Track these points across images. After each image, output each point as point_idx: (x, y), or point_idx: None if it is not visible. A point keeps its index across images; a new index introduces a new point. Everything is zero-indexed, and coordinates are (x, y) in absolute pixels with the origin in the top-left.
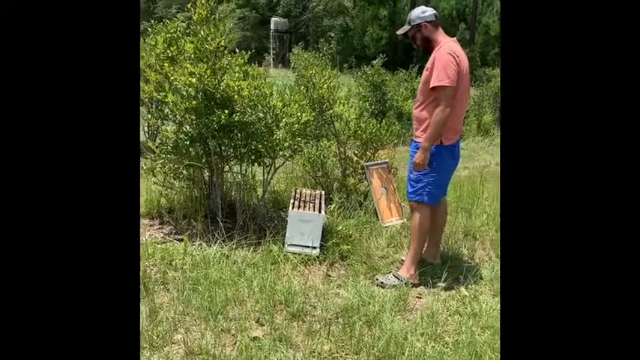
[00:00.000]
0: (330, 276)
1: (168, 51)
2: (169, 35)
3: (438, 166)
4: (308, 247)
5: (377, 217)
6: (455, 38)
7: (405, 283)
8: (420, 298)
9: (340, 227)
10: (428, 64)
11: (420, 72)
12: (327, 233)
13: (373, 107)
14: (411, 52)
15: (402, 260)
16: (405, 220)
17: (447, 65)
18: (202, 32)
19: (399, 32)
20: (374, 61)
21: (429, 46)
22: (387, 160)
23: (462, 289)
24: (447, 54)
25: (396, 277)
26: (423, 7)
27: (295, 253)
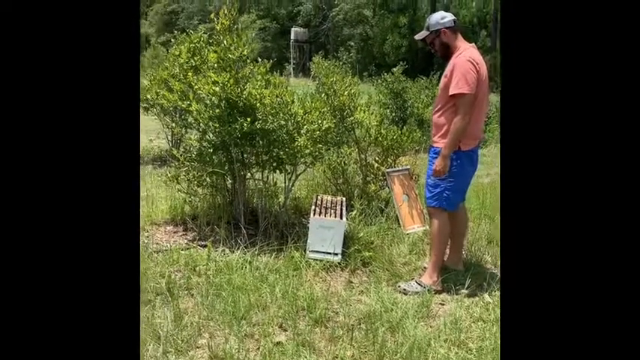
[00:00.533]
0: (352, 282)
1: (191, 61)
2: (193, 45)
3: (455, 172)
4: (329, 253)
5: (399, 223)
6: (474, 44)
7: (428, 290)
8: (443, 304)
9: (362, 234)
10: (447, 71)
11: (440, 79)
12: (348, 240)
13: (394, 114)
14: (431, 59)
15: (425, 267)
16: (427, 226)
17: (467, 72)
18: (225, 42)
19: (417, 37)
20: (394, 69)
21: (447, 52)
22: (408, 166)
23: (486, 295)
24: (467, 61)
25: (419, 284)
26: (442, 13)
27: (317, 260)
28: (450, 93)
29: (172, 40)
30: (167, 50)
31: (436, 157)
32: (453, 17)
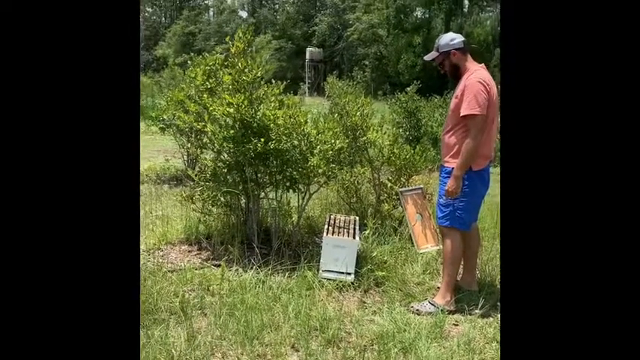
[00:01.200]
0: (364, 302)
1: (207, 83)
2: (208, 68)
3: (467, 192)
4: (342, 273)
5: (412, 243)
6: (484, 65)
7: (441, 311)
8: (457, 325)
9: (375, 253)
10: (457, 92)
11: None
12: (361, 259)
13: (408, 133)
14: (445, 78)
15: (438, 287)
16: (441, 246)
17: (478, 94)
18: (240, 64)
19: (427, 58)
20: (408, 88)
21: (456, 73)
22: (421, 186)
23: (498, 315)
24: (477, 82)
25: (432, 304)
26: (451, 34)
27: (330, 279)
28: (462, 114)
29: (189, 61)
30: (184, 71)
31: (447, 177)
32: (463, 39)
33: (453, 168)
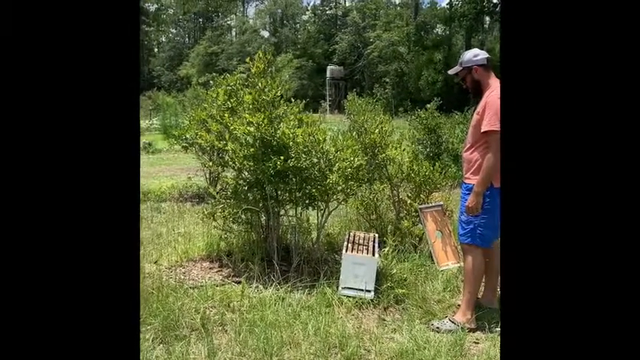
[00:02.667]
0: (384, 320)
1: (228, 102)
2: (229, 87)
3: (488, 208)
4: (362, 290)
5: (432, 260)
6: None
7: (462, 328)
8: (477, 343)
9: (395, 270)
10: (479, 108)
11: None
12: (381, 276)
13: (428, 150)
14: (467, 95)
15: (459, 305)
16: (462, 263)
17: (499, 110)
18: (260, 84)
19: (451, 72)
20: (428, 105)
21: (478, 89)
22: (441, 202)
23: None
24: (499, 98)
25: (452, 322)
26: (475, 50)
27: (349, 297)
28: (483, 130)
29: (212, 81)
30: (206, 91)
31: (468, 194)
32: (487, 55)
33: (474, 185)
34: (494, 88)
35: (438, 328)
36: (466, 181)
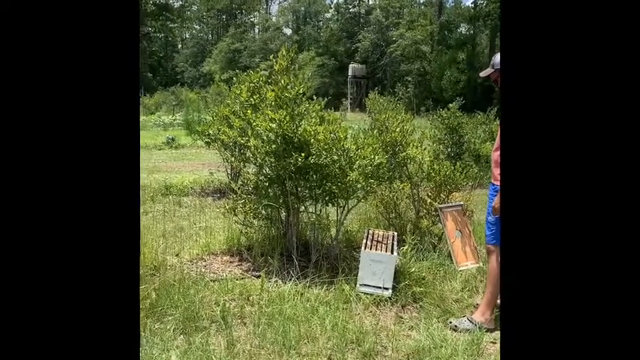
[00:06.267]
0: (401, 317)
1: (251, 99)
2: (252, 85)
3: None
4: (380, 287)
5: (451, 260)
6: None
7: (480, 328)
8: (495, 343)
9: (413, 269)
10: None
11: (498, 114)
12: (399, 274)
13: (449, 150)
14: (490, 95)
15: (477, 304)
16: (481, 264)
17: None
18: (282, 81)
19: (482, 74)
20: (450, 104)
21: None
22: (461, 202)
23: None
24: None
25: (470, 321)
26: None
27: (367, 294)
28: None
29: (234, 77)
30: (229, 87)
31: (495, 195)
32: None
33: (499, 186)
34: None
35: (455, 326)
36: (494, 182)
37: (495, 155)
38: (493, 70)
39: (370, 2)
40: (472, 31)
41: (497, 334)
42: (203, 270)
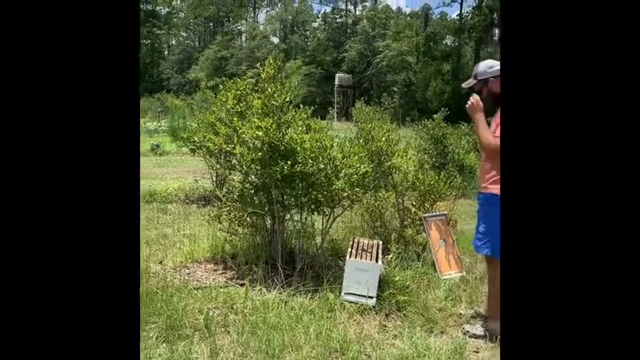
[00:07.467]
0: (385, 326)
1: (237, 106)
2: (239, 92)
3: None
4: (364, 296)
5: (435, 269)
6: None
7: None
8: (477, 352)
9: (397, 278)
10: (496, 117)
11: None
12: (383, 283)
13: (434, 160)
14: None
15: (461, 313)
16: (464, 273)
17: None
18: (269, 89)
19: (465, 85)
20: (435, 115)
21: (495, 101)
22: (445, 212)
23: None
24: None
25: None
26: (490, 62)
27: (351, 302)
28: (496, 134)
29: (221, 85)
30: (215, 95)
31: (484, 205)
32: None
33: (489, 194)
34: None
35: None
36: (482, 190)
37: (482, 164)
38: (476, 80)
39: (357, 13)
40: (457, 43)
41: (480, 342)
42: (187, 278)
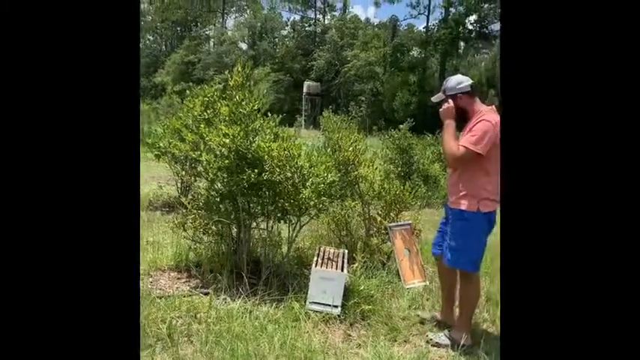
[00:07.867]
0: (350, 335)
1: (205, 113)
2: (206, 99)
3: (473, 233)
4: (329, 305)
5: (399, 277)
6: (493, 106)
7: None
8: None
9: (362, 287)
10: (465, 132)
11: None
12: (349, 292)
13: (399, 169)
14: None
15: (424, 319)
16: (427, 282)
17: (486, 134)
18: (237, 97)
19: (434, 99)
20: (401, 126)
21: (463, 116)
22: (410, 221)
23: (482, 353)
24: (493, 125)
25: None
26: (459, 78)
27: (317, 311)
28: (461, 144)
29: (188, 90)
30: (182, 100)
31: (455, 220)
32: (471, 82)
33: (457, 210)
34: (484, 113)
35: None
36: (451, 205)
37: (451, 177)
38: (444, 95)
39: (326, 22)
40: (423, 55)
41: (442, 352)
42: (149, 286)
